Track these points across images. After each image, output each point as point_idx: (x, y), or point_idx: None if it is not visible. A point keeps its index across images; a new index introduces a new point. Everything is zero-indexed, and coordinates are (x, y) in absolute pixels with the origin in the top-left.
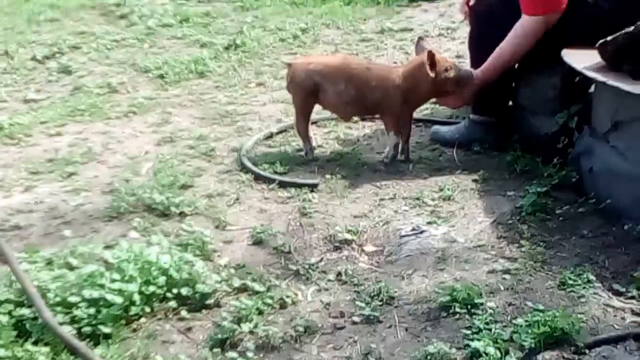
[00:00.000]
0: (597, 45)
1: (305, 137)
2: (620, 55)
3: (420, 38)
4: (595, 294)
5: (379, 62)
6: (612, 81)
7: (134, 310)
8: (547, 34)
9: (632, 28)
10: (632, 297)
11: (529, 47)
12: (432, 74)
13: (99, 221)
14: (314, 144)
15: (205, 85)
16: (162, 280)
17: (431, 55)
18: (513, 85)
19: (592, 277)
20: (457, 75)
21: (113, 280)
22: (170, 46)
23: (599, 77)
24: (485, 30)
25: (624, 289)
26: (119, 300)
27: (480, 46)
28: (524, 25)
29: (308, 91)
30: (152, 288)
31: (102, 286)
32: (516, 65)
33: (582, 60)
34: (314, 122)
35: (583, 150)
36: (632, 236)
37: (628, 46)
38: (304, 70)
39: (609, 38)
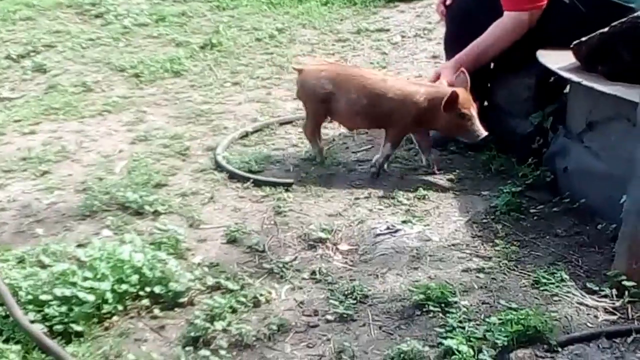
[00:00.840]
0: (571, 46)
1: (314, 141)
2: (595, 56)
3: (462, 72)
4: (568, 292)
5: (393, 74)
6: (586, 82)
7: (106, 308)
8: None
9: (606, 29)
10: (605, 296)
11: (509, 43)
12: (442, 110)
13: (71, 220)
14: (318, 147)
15: (181, 85)
16: (134, 278)
17: (454, 97)
18: (488, 85)
19: (565, 276)
20: (469, 129)
21: (85, 279)
22: (146, 45)
23: (574, 77)
24: (461, 31)
25: (597, 288)
26: (91, 298)
27: (456, 46)
28: (507, 21)
29: (319, 98)
30: (124, 286)
31: (74, 284)
32: (492, 65)
33: (557, 60)
34: (289, 122)
35: (558, 150)
36: (605, 235)
37: (602, 47)
38: (315, 77)
39: (583, 39)
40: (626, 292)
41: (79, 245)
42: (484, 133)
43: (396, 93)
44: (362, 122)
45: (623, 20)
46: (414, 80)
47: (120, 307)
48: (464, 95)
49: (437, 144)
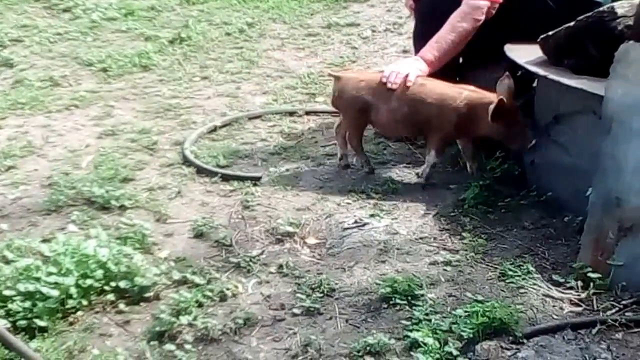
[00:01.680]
0: (538, 40)
1: (360, 151)
2: (562, 50)
3: (507, 76)
4: (534, 284)
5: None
6: (553, 75)
7: (70, 303)
8: (491, 29)
9: (572, 23)
10: (571, 288)
11: (470, 35)
12: (490, 119)
13: (37, 215)
14: (340, 153)
15: (149, 79)
16: (99, 273)
17: (502, 105)
18: (457, 80)
19: (532, 268)
20: (517, 137)
21: (49, 274)
22: (114, 40)
23: (540, 71)
24: (430, 25)
25: (563, 280)
26: (55, 293)
27: (425, 41)
28: (467, 11)
29: (358, 108)
30: (89, 281)
31: (38, 279)
32: (460, 60)
33: (525, 54)
34: (258, 116)
35: None
36: (572, 228)
37: (569, 41)
38: (354, 87)
39: (550, 33)
40: (591, 284)
41: (44, 241)
42: (532, 140)
43: (435, 97)
44: (404, 129)
45: (589, 14)
46: (454, 85)
47: (84, 302)
48: (510, 102)
49: (406, 138)
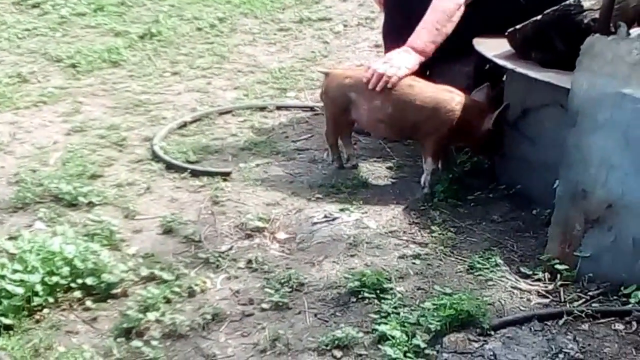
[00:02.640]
0: (506, 33)
1: (334, 147)
2: (529, 43)
3: (487, 85)
4: (502, 277)
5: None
6: (520, 69)
7: (36, 301)
8: (461, 23)
9: (539, 17)
10: (539, 280)
11: (454, 14)
12: (492, 125)
13: (3, 212)
14: (346, 154)
15: (119, 75)
16: (66, 270)
17: (506, 109)
18: (427, 74)
19: (500, 261)
20: (497, 146)
21: (14, 271)
22: (84, 35)
23: (508, 64)
24: (398, 20)
25: (530, 272)
26: (20, 291)
27: (395, 36)
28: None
29: (339, 104)
30: (55, 278)
31: (3, 277)
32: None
33: (493, 48)
34: (229, 112)
35: None
36: (540, 220)
37: (536, 35)
38: (339, 83)
39: (518, 26)
40: (558, 276)
41: (10, 238)
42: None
43: (426, 101)
44: (388, 131)
45: (555, 8)
46: (447, 87)
47: (51, 300)
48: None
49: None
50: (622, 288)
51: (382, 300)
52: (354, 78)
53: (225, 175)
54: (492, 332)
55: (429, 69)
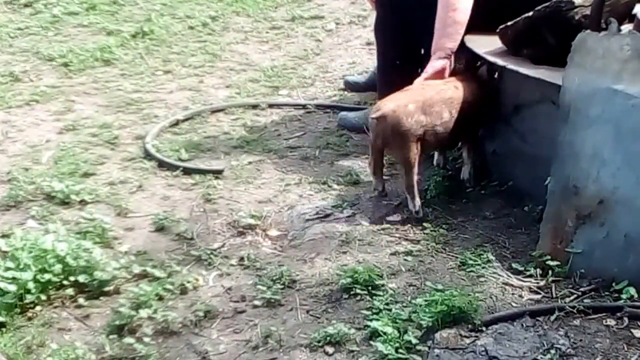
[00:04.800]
0: (497, 30)
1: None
2: (521, 40)
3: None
4: (494, 273)
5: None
6: (511, 65)
7: (29, 298)
8: None
9: (531, 13)
10: (530, 276)
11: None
12: None
13: None
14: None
15: (111, 73)
16: (58, 268)
17: None
18: (419, 71)
19: (492, 257)
20: None
21: (7, 269)
22: (76, 34)
23: (499, 61)
24: (389, 18)
25: (522, 268)
26: (12, 288)
27: (385, 33)
28: None
29: (416, 134)
30: (47, 276)
31: None
32: (422, 51)
33: (484, 45)
34: (221, 110)
35: (486, 134)
36: (532, 216)
37: (527, 31)
38: (406, 112)
39: (509, 23)
40: (550, 272)
41: (3, 236)
42: None
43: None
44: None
45: (547, 4)
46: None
47: (43, 297)
48: None
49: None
50: (613, 284)
51: (374, 297)
52: (415, 100)
53: (218, 173)
54: (484, 328)
55: (420, 66)
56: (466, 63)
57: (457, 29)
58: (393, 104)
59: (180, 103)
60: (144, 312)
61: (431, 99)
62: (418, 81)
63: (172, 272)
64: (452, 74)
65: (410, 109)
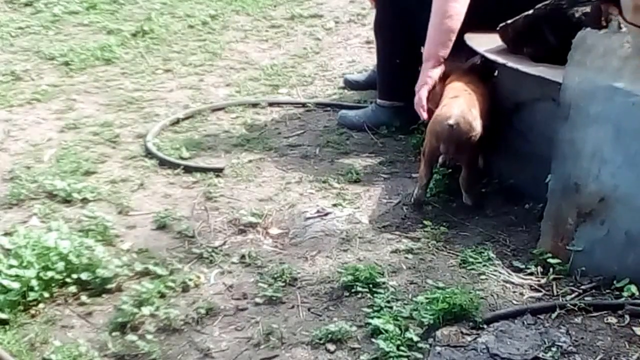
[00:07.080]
0: (498, 28)
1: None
2: (521, 38)
3: None
4: (495, 271)
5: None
6: (511, 63)
7: (32, 295)
8: None
9: (531, 11)
10: (531, 274)
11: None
12: None
13: None
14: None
15: (112, 72)
16: (61, 265)
17: None
18: (419, 69)
19: (492, 255)
20: None
21: (10, 267)
22: (77, 33)
23: (499, 59)
24: (388, 16)
25: (523, 266)
26: (15, 286)
27: (384, 31)
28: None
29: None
30: (50, 273)
31: None
32: (422, 49)
33: (485, 43)
34: (221, 108)
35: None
36: (532, 214)
37: (528, 29)
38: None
39: (509, 21)
40: (551, 270)
41: (6, 234)
42: None
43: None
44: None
45: (547, 2)
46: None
47: (46, 295)
48: None
49: (368, 128)
50: (614, 281)
51: (375, 295)
52: (473, 104)
53: (218, 171)
54: (485, 326)
55: (420, 64)
56: (480, 64)
57: (450, 37)
58: (458, 109)
59: (181, 102)
60: (146, 310)
61: (480, 102)
62: (419, 90)
63: (173, 270)
64: (464, 75)
65: (474, 114)
